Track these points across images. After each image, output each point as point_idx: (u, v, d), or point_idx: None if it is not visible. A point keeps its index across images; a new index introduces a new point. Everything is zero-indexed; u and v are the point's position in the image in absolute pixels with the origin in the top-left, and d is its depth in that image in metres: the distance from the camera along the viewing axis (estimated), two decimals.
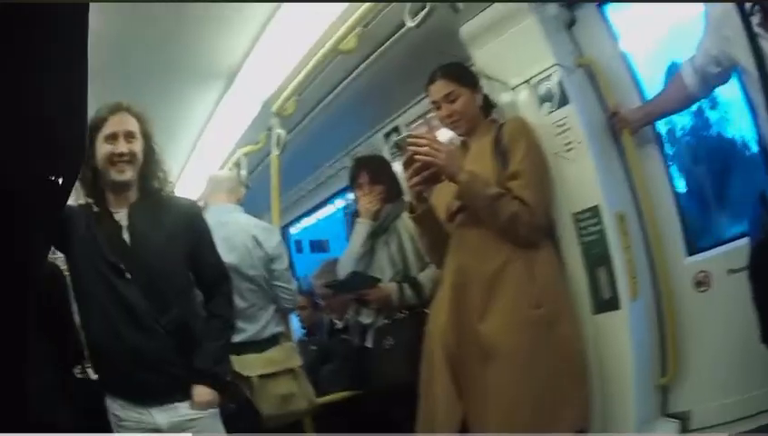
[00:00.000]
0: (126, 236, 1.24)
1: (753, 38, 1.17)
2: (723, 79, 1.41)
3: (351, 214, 1.94)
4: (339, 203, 3.08)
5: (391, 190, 1.83)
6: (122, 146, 1.23)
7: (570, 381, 1.36)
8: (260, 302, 1.77)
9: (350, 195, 1.96)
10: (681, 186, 1.74)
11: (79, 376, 1.28)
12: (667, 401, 1.68)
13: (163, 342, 1.20)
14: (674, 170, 1.73)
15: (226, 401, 1.33)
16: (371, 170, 1.84)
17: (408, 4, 1.46)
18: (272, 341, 1.77)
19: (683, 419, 1.65)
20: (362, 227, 1.75)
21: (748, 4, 1.17)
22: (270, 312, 1.80)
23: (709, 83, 1.42)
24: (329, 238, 3.62)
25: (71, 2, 0.42)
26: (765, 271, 1.24)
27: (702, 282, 1.65)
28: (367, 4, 1.52)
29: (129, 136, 1.24)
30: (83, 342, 1.27)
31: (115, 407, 1.18)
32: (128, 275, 1.19)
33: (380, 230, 1.78)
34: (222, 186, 1.90)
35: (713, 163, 1.83)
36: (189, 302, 1.30)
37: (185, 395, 1.21)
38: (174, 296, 1.25)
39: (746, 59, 1.21)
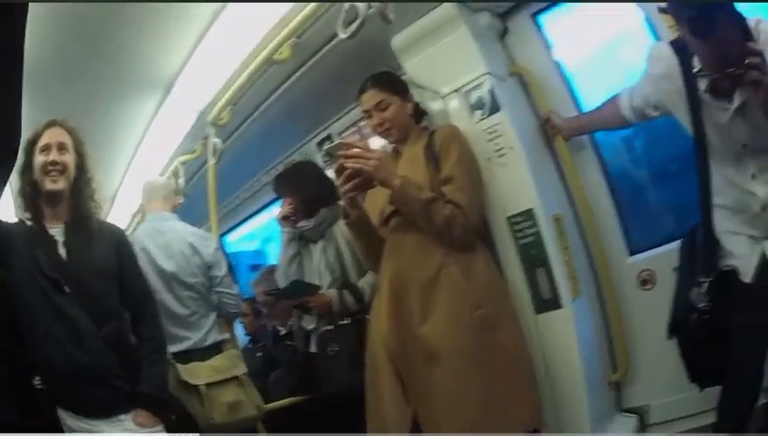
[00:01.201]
0: (63, 252, 1.30)
1: (695, 101, 1.24)
2: (661, 116, 1.47)
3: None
4: (276, 211, 3.16)
5: (319, 199, 1.86)
6: (53, 155, 1.32)
7: (517, 380, 1.41)
8: (202, 310, 1.82)
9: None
10: (621, 188, 1.86)
11: (38, 387, 1.30)
12: (623, 397, 1.77)
13: (104, 355, 1.27)
14: (613, 172, 1.85)
15: (166, 416, 1.39)
16: (287, 179, 1.90)
17: (342, 16, 1.53)
18: (216, 348, 1.82)
19: (641, 414, 1.74)
20: (285, 236, 1.82)
21: (696, 68, 1.22)
22: (211, 319, 1.84)
23: (645, 118, 1.50)
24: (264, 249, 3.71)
25: (7, 9, 0.43)
26: (686, 324, 1.34)
27: (647, 281, 1.75)
28: (300, 16, 1.59)
29: (61, 147, 1.34)
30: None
31: (66, 417, 1.24)
32: (67, 290, 1.25)
33: (317, 236, 1.83)
34: (158, 194, 1.93)
35: (655, 164, 1.96)
36: (123, 317, 1.37)
37: (129, 408, 1.28)
38: (110, 310, 1.33)
39: (685, 118, 1.30)
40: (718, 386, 1.36)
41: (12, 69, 0.46)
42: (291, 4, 1.61)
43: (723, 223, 1.32)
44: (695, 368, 1.40)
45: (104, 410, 1.25)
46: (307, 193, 1.86)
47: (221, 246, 1.94)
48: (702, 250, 1.34)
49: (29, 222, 1.31)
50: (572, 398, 1.55)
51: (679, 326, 1.37)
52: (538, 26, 1.82)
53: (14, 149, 0.50)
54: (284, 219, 1.84)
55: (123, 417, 1.26)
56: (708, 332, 1.29)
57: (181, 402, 1.59)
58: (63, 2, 1.42)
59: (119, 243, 1.42)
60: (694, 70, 1.24)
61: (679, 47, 1.29)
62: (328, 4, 1.56)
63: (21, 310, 1.26)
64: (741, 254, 1.28)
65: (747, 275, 1.27)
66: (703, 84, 1.23)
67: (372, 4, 1.45)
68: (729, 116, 1.22)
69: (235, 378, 1.75)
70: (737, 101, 1.20)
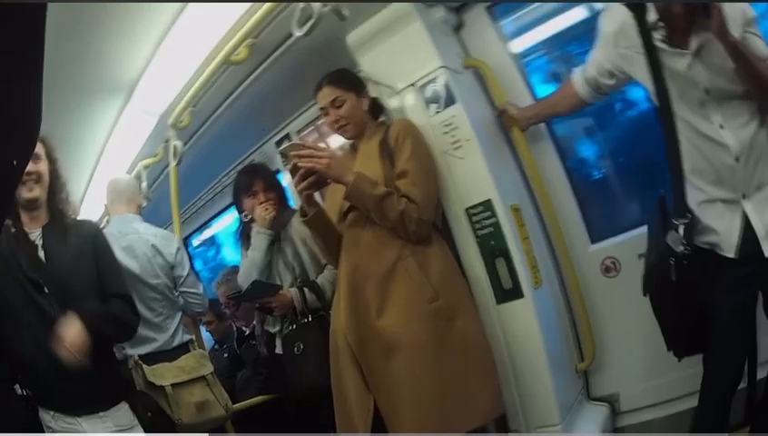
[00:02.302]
0: (42, 254, 1.38)
1: (652, 51, 1.23)
2: (617, 88, 1.51)
3: (244, 223, 1.97)
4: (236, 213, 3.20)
5: (282, 197, 1.93)
6: (29, 166, 1.35)
7: (476, 369, 1.45)
8: (167, 311, 1.85)
9: (237, 205, 2.00)
10: (581, 176, 1.92)
11: (20, 393, 1.34)
12: (592, 386, 1.82)
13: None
14: (572, 161, 1.91)
15: (142, 414, 1.44)
16: (265, 178, 1.93)
17: (297, 15, 1.57)
18: (182, 349, 1.85)
19: (611, 402, 1.79)
20: (262, 237, 1.82)
21: (652, 20, 1.24)
22: (176, 319, 1.88)
23: (600, 91, 1.52)
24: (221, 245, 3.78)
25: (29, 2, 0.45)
26: (661, 289, 1.31)
27: (610, 268, 1.81)
28: (256, 16, 1.62)
29: (35, 158, 1.39)
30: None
31: (47, 418, 1.28)
32: (46, 290, 1.31)
33: (275, 237, 1.85)
34: (122, 196, 1.97)
35: (617, 151, 2.02)
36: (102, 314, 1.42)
37: (108, 405, 1.34)
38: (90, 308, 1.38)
39: (643, 74, 1.29)
40: (695, 355, 1.34)
41: (33, 46, 0.47)
42: (248, 4, 1.64)
43: (695, 194, 1.28)
44: (672, 332, 1.36)
45: (84, 406, 1.30)
46: (281, 191, 1.93)
47: (183, 247, 1.95)
48: (674, 202, 1.29)
49: (13, 229, 1.37)
50: (538, 388, 1.58)
51: (654, 279, 1.32)
52: (493, 19, 1.87)
53: (33, 131, 0.52)
54: (268, 220, 1.83)
55: (102, 414, 1.31)
56: (685, 287, 1.25)
57: (154, 400, 1.63)
58: (19, 2, 1.45)
59: (94, 237, 1.48)
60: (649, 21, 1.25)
61: (631, 4, 1.30)
62: (283, 3, 1.60)
63: (5, 312, 1.30)
64: (721, 229, 1.25)
65: (730, 251, 1.24)
66: (658, 35, 1.24)
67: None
68: (688, 62, 1.22)
69: (202, 378, 1.78)
70: (694, 44, 1.21)
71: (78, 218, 1.54)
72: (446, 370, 1.39)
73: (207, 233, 3.59)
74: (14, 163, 0.53)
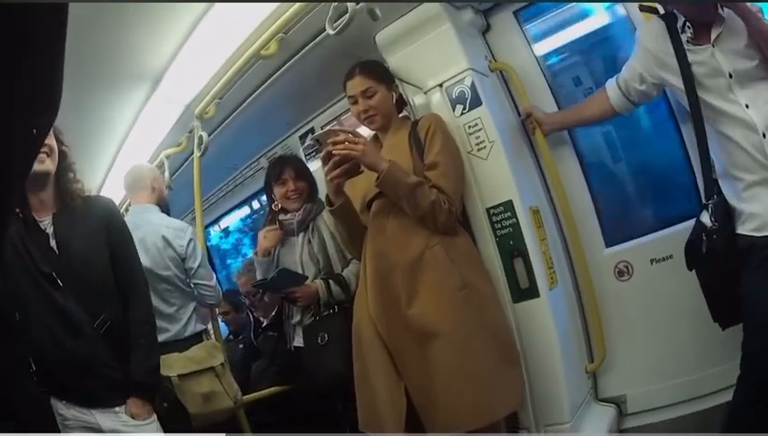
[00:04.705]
0: (53, 244, 1.37)
1: (681, 50, 1.45)
2: (646, 97, 1.66)
3: (269, 212, 2.08)
4: (256, 205, 3.31)
5: (312, 188, 2.03)
6: None
7: (507, 358, 1.53)
8: (179, 302, 1.92)
9: (268, 194, 2.10)
10: (598, 181, 2.03)
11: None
12: (600, 387, 1.93)
13: (100, 347, 1.34)
14: (591, 166, 2.02)
15: (158, 404, 1.47)
16: (296, 167, 2.02)
17: (330, 13, 1.64)
18: (195, 338, 1.92)
19: (618, 403, 1.89)
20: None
21: (680, 23, 1.46)
22: (189, 310, 1.95)
23: (631, 98, 1.67)
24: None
25: None
26: (701, 263, 1.48)
27: (623, 272, 1.92)
28: (289, 12, 1.70)
29: None
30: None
31: (59, 406, 1.29)
32: (60, 283, 1.31)
33: (299, 228, 1.95)
34: (139, 185, 2.03)
35: (633, 159, 2.13)
36: (118, 305, 1.44)
37: (123, 399, 1.35)
38: (104, 300, 1.40)
39: (675, 74, 1.49)
40: (738, 324, 1.45)
41: (57, 12, 0.48)
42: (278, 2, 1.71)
43: (734, 185, 1.43)
44: (713, 303, 1.50)
45: (99, 400, 1.31)
46: (311, 182, 2.02)
47: (195, 238, 2.00)
48: (704, 186, 1.48)
49: (20, 215, 1.35)
50: (550, 386, 1.68)
51: (694, 251, 1.48)
52: (520, 23, 1.97)
53: (55, 100, 0.54)
54: (291, 198, 1.95)
55: (117, 409, 1.33)
56: (720, 260, 1.42)
57: (172, 390, 1.68)
58: None
59: (109, 221, 1.48)
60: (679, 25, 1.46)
61: (663, 15, 1.52)
62: (315, 1, 1.66)
63: (16, 301, 1.28)
64: (761, 210, 1.38)
65: None
66: (685, 38, 1.45)
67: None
68: (710, 52, 1.42)
69: (211, 369, 1.83)
70: (713, 34, 1.41)
71: (89, 196, 1.53)
72: (481, 356, 1.45)
73: (224, 223, 3.68)
74: (34, 131, 0.54)
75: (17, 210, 1.34)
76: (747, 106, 1.39)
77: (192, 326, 1.94)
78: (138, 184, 2.06)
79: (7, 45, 0.45)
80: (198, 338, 1.94)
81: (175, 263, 1.92)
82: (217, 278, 2.17)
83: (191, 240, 1.96)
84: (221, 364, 1.87)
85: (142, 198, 2.05)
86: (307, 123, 2.48)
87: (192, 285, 2.00)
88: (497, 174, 1.71)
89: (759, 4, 1.44)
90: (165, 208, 2.11)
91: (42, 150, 1.36)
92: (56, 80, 0.52)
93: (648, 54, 1.57)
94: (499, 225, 1.72)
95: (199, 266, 1.97)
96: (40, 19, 0.46)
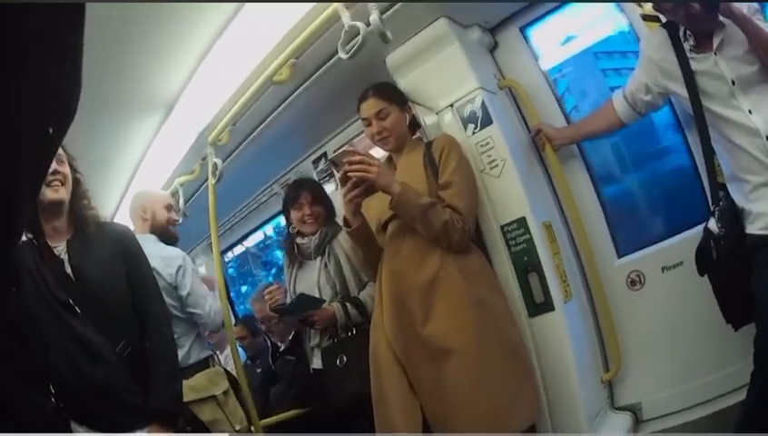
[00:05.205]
0: (69, 270, 1.38)
1: (684, 59, 1.48)
2: (652, 107, 1.71)
3: (287, 236, 2.11)
4: (269, 230, 3.37)
5: (328, 212, 2.07)
6: (53, 166, 1.38)
7: (522, 373, 1.55)
8: (179, 330, 1.89)
9: (286, 217, 2.14)
10: (608, 193, 2.07)
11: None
12: (616, 396, 1.96)
13: (120, 372, 1.34)
14: (600, 178, 2.06)
15: (182, 428, 1.48)
16: (312, 191, 2.05)
17: (342, 37, 1.65)
18: (199, 366, 1.92)
19: (633, 411, 1.92)
20: (307, 250, 1.97)
21: (681, 32, 1.50)
22: (191, 337, 1.94)
23: (638, 109, 1.71)
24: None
25: None
26: (711, 268, 1.52)
27: (635, 281, 1.96)
28: (301, 36, 1.73)
29: (59, 159, 1.41)
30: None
31: (80, 430, 1.26)
32: (78, 310, 1.31)
33: (316, 252, 1.99)
34: (134, 215, 2.04)
35: (641, 168, 2.17)
36: (137, 330, 1.45)
37: (144, 423, 1.35)
38: (123, 326, 1.41)
39: (678, 81, 1.53)
40: (750, 323, 1.49)
41: (75, 12, 0.48)
42: (294, 20, 1.72)
43: (742, 187, 1.47)
44: (724, 305, 1.54)
45: (119, 425, 1.29)
46: (328, 206, 2.06)
47: (186, 265, 1.97)
48: (710, 192, 1.53)
49: (34, 242, 1.33)
50: (567, 397, 1.71)
51: (704, 257, 1.52)
52: (526, 39, 2.01)
53: (72, 102, 0.54)
54: (306, 222, 1.98)
55: (138, 433, 1.32)
56: (729, 263, 1.46)
57: (193, 412, 1.71)
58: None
59: (124, 247, 1.49)
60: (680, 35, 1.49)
61: (666, 24, 1.55)
62: (326, 26, 1.69)
63: (31, 330, 1.26)
64: None
65: None
66: (688, 46, 1.48)
67: (371, 23, 1.56)
68: (712, 60, 1.45)
69: (212, 397, 1.83)
70: (715, 42, 1.44)
71: (103, 222, 1.54)
72: (495, 371, 1.47)
73: (238, 250, 3.71)
74: (50, 130, 0.54)
75: (31, 236, 1.33)
76: (750, 112, 1.43)
77: (196, 354, 1.94)
78: (132, 216, 2.10)
79: (25, 37, 0.45)
80: (203, 365, 1.93)
81: (168, 293, 1.88)
82: (231, 303, 2.17)
83: (179, 267, 1.94)
84: (224, 392, 1.87)
85: (138, 229, 2.07)
86: (319, 147, 2.52)
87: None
88: (510, 192, 1.75)
89: (755, 4, 1.45)
90: (167, 235, 2.10)
91: (56, 178, 1.38)
92: (74, 78, 0.53)
93: (652, 65, 1.60)
94: (513, 242, 1.76)
95: (188, 294, 1.94)
96: (55, 16, 0.47)
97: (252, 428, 2.00)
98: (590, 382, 1.83)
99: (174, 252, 2.00)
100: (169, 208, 2.14)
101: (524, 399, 1.53)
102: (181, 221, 2.21)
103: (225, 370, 2.08)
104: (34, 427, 1.06)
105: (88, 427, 1.30)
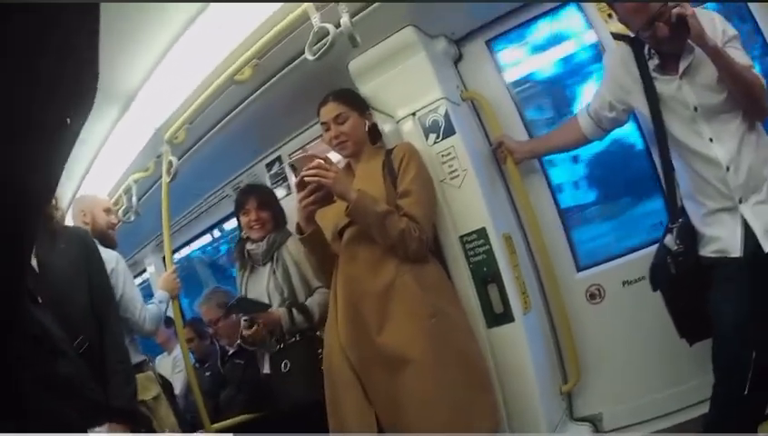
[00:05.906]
0: (35, 263, 1.39)
1: (647, 78, 1.49)
2: (617, 123, 1.72)
3: (237, 241, 2.11)
4: (216, 234, 3.35)
5: (277, 218, 2.07)
6: None
7: (479, 384, 1.55)
8: None
9: (237, 222, 2.15)
10: (568, 207, 2.10)
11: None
12: (575, 407, 1.98)
13: (82, 368, 1.32)
14: (561, 192, 2.10)
15: (138, 428, 1.48)
16: (259, 197, 2.05)
17: (310, 38, 1.63)
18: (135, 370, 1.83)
19: (594, 421, 1.95)
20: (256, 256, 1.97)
21: (646, 50, 1.49)
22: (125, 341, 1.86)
23: (602, 126, 1.73)
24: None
25: None
26: (665, 284, 1.56)
27: (594, 295, 1.99)
28: (266, 37, 1.71)
29: None
30: None
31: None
32: (39, 300, 1.28)
33: (265, 259, 1.99)
34: (75, 220, 2.00)
35: (602, 183, 2.24)
36: (95, 329, 1.48)
37: (102, 421, 1.36)
38: (81, 321, 1.44)
39: (640, 101, 1.53)
40: (705, 339, 1.52)
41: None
42: (258, 21, 1.70)
43: (697, 209, 1.49)
44: (679, 320, 1.58)
45: (78, 423, 1.25)
46: (276, 212, 2.06)
47: (117, 269, 1.88)
48: (668, 210, 1.55)
49: None
50: (526, 408, 1.72)
51: (659, 274, 1.56)
52: (492, 52, 2.05)
53: (89, 90, 0.54)
54: (253, 228, 2.00)
55: (97, 429, 1.33)
56: (684, 280, 1.49)
57: (148, 416, 1.67)
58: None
59: (87, 250, 1.53)
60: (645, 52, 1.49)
61: (630, 39, 1.55)
62: (294, 26, 1.67)
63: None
64: (724, 235, 1.44)
65: (735, 250, 1.43)
66: (652, 65, 1.49)
67: (342, 26, 1.54)
68: (677, 85, 1.45)
69: (142, 402, 1.78)
70: (682, 66, 1.43)
71: (65, 224, 1.58)
72: (451, 383, 1.47)
73: (185, 251, 3.63)
74: (68, 120, 0.54)
75: None
76: (711, 140, 1.43)
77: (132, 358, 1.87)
78: (74, 219, 2.08)
79: (47, 22, 0.45)
80: (136, 369, 1.84)
81: None
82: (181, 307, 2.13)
83: (112, 270, 1.86)
84: (154, 398, 1.84)
85: None
86: (274, 150, 2.48)
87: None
88: (471, 202, 1.76)
89: (734, 30, 1.45)
90: (106, 239, 2.03)
91: None
92: (90, 65, 0.52)
93: (616, 81, 1.62)
94: (473, 252, 1.76)
95: (120, 297, 1.87)
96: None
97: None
98: (549, 394, 1.85)
99: (107, 255, 1.93)
100: (108, 212, 2.13)
101: (481, 410, 1.53)
102: (133, 219, 2.17)
103: (159, 375, 2.04)
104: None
105: (39, 423, 1.27)
